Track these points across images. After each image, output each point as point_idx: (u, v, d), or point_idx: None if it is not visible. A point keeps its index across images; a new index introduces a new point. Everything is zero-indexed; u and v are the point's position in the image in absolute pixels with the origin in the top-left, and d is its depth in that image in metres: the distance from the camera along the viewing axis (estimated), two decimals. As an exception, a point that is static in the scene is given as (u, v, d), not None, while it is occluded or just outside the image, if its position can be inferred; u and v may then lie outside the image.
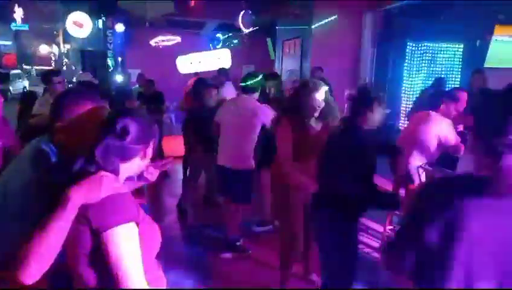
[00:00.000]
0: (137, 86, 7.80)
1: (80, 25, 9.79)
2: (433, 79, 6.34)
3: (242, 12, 8.92)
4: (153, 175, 1.78)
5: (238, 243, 3.69)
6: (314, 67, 6.89)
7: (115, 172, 1.24)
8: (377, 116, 2.26)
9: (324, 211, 2.34)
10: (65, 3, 9.77)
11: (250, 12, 8.92)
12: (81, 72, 10.03)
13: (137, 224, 1.22)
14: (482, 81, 5.01)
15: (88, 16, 9.76)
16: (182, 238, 4.18)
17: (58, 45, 30.91)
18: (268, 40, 10.73)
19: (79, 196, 1.15)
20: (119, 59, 11.16)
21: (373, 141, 2.31)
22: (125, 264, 1.16)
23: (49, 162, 1.36)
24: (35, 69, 27.68)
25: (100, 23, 10.60)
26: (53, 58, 32.55)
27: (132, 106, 5.27)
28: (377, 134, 2.43)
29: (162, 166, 1.82)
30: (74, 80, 9.60)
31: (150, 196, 1.76)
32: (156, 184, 5.03)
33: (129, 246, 1.18)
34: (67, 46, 29.42)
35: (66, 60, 30.99)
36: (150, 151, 1.33)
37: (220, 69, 6.64)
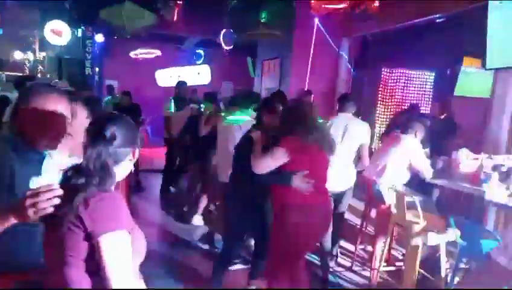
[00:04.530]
0: (109, 97, 7.73)
1: (58, 32, 9.63)
2: (408, 104, 6.60)
3: (223, 31, 9.04)
4: None
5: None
6: (305, 90, 6.94)
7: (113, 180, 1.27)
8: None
9: None
10: (44, 10, 9.62)
11: (231, 30, 9.05)
12: (57, 80, 9.83)
13: (129, 232, 1.24)
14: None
15: (67, 25, 9.63)
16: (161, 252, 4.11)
17: (33, 52, 30.17)
18: (249, 58, 10.88)
19: None
20: (96, 69, 11.02)
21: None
22: (119, 269, 1.18)
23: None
24: (7, 75, 26.84)
25: (79, 32, 10.47)
26: (27, 65, 31.73)
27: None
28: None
29: None
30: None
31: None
32: (129, 196, 4.93)
33: (123, 252, 1.20)
34: (43, 54, 28.73)
35: (41, 67, 30.24)
36: (137, 153, 1.39)
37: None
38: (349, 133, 3.58)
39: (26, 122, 1.50)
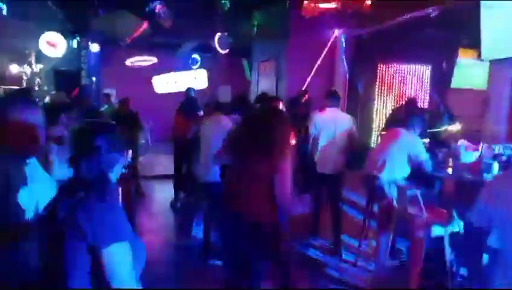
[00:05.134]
0: (106, 105, 7.73)
1: (53, 44, 9.66)
2: (406, 99, 6.60)
3: (218, 34, 9.07)
4: None
5: None
6: (302, 90, 6.97)
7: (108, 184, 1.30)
8: None
9: None
10: (38, 22, 9.64)
11: (226, 34, 9.07)
12: (53, 92, 9.85)
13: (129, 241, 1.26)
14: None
15: (62, 36, 9.64)
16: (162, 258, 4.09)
17: (30, 64, 30.22)
18: (244, 61, 10.90)
19: None
20: (93, 79, 11.03)
21: None
22: (123, 280, 1.20)
23: None
24: (4, 89, 26.85)
25: (75, 42, 10.49)
26: (24, 78, 31.75)
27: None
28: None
29: None
30: (47, 99, 9.37)
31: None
32: (132, 203, 4.93)
33: (126, 262, 1.22)
34: (40, 66, 28.76)
35: (38, 79, 30.26)
36: (126, 154, 1.43)
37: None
38: (338, 124, 4.15)
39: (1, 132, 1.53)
